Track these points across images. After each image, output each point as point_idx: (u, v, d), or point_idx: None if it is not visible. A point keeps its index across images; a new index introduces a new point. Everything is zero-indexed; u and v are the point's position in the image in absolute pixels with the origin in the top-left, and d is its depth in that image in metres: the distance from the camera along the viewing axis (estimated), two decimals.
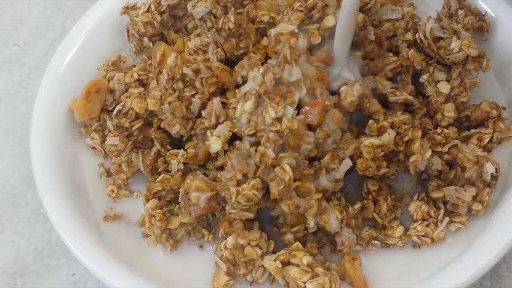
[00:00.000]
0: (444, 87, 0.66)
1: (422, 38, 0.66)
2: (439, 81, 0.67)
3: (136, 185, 0.71)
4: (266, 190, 0.61)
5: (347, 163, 0.62)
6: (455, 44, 0.65)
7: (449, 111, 0.66)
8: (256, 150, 0.61)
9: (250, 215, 0.61)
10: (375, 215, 0.64)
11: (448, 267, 0.60)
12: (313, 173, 0.62)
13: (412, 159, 0.62)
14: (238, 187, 0.60)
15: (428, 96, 0.67)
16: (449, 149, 0.65)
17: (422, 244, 0.63)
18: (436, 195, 0.65)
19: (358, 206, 0.64)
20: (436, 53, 0.67)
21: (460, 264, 0.59)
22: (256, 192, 0.60)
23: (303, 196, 0.61)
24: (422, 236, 0.63)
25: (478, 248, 0.60)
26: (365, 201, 0.65)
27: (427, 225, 0.63)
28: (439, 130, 0.65)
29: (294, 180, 0.60)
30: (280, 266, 0.59)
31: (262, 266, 0.61)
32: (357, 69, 0.65)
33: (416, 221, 0.64)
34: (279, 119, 0.60)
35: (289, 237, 0.63)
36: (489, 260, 0.58)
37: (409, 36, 0.68)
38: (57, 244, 0.74)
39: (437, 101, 0.67)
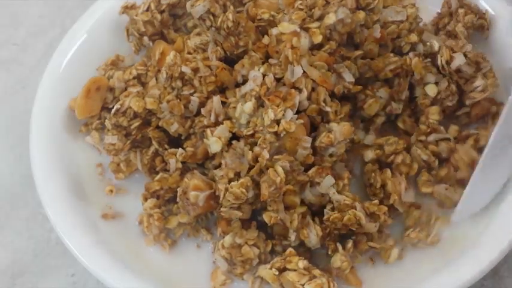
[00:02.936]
0: (431, 91, 0.67)
1: (444, 65, 0.66)
2: (427, 83, 0.67)
3: (136, 185, 0.70)
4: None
5: (329, 180, 0.61)
6: (480, 82, 0.66)
7: (433, 114, 0.67)
8: (250, 149, 0.61)
9: (240, 214, 0.61)
10: (371, 244, 0.63)
11: (449, 267, 0.59)
12: (300, 186, 0.62)
13: (391, 200, 0.63)
14: (227, 185, 0.60)
15: (416, 96, 0.68)
16: (437, 141, 0.65)
17: (417, 249, 0.63)
18: (425, 190, 0.65)
19: (350, 244, 0.62)
20: (455, 80, 0.67)
21: (461, 265, 0.59)
22: (244, 190, 0.59)
23: (289, 209, 0.61)
24: (416, 242, 0.63)
25: (479, 249, 0.59)
26: (354, 237, 0.63)
27: (420, 231, 0.63)
28: (423, 119, 0.66)
29: (286, 184, 0.60)
30: (277, 273, 0.58)
31: (259, 276, 0.60)
32: None
33: (408, 228, 0.63)
34: (277, 121, 0.60)
35: (278, 249, 0.63)
36: (490, 260, 0.58)
37: (413, 38, 0.68)
38: (56, 244, 0.74)
39: (423, 103, 0.67)
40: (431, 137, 0.65)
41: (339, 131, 0.61)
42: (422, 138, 0.66)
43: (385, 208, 0.62)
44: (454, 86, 0.67)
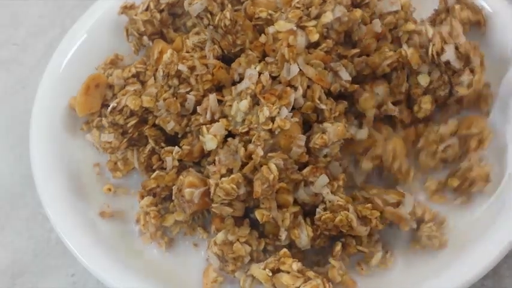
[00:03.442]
0: (423, 80, 0.66)
1: (434, 55, 0.65)
2: (420, 73, 0.67)
3: (134, 183, 0.70)
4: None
5: (323, 179, 0.61)
6: (466, 78, 0.65)
7: (426, 103, 0.66)
8: (244, 146, 0.61)
9: (230, 211, 0.61)
10: (360, 248, 0.62)
11: (449, 267, 0.59)
12: (294, 185, 0.61)
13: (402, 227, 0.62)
14: (218, 180, 0.60)
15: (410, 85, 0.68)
16: (445, 147, 0.65)
17: (429, 247, 0.62)
18: (437, 201, 0.65)
19: (338, 247, 0.61)
20: (444, 71, 0.66)
21: (461, 265, 0.59)
22: (235, 186, 0.59)
23: (282, 207, 0.61)
24: (433, 236, 0.62)
25: (479, 248, 0.59)
26: (343, 239, 0.62)
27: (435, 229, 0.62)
28: (416, 108, 0.66)
29: (279, 182, 0.60)
30: (270, 274, 0.58)
31: (251, 275, 0.60)
32: None
33: (427, 222, 0.62)
34: (272, 119, 0.60)
35: (270, 248, 0.63)
36: (490, 260, 0.58)
37: (410, 26, 0.68)
38: (56, 244, 0.74)
39: (416, 93, 0.67)
40: (442, 147, 0.65)
41: (332, 131, 0.61)
42: (432, 148, 0.66)
43: (378, 213, 0.61)
44: (446, 76, 0.66)
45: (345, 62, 0.65)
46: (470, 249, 0.60)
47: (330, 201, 0.61)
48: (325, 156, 0.62)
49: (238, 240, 0.61)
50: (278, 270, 0.58)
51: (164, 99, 0.65)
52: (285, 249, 0.60)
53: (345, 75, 0.64)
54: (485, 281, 0.66)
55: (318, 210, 0.61)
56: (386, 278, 0.62)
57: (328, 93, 0.64)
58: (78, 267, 0.71)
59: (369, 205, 0.62)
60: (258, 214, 0.60)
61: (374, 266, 0.62)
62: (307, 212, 0.63)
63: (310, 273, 0.58)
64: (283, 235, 0.61)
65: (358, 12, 0.65)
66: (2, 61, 0.91)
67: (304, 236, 0.61)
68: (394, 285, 0.61)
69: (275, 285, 0.58)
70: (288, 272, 0.58)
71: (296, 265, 0.58)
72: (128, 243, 0.67)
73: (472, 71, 0.66)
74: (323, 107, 0.62)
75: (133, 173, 0.71)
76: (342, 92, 0.65)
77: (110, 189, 0.70)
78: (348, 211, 0.60)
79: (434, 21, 0.73)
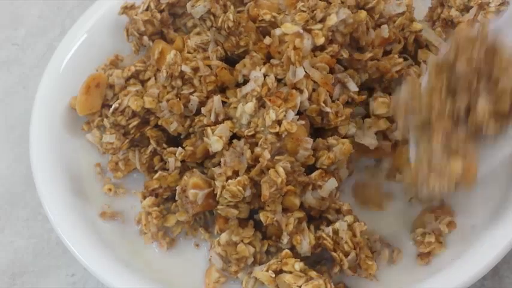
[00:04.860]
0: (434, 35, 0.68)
1: None
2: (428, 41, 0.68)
3: (135, 184, 0.71)
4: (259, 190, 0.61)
5: (332, 183, 0.61)
6: None
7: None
8: (250, 149, 0.61)
9: (236, 212, 0.60)
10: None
11: (448, 267, 0.59)
12: (302, 188, 0.61)
13: None
14: (224, 182, 0.60)
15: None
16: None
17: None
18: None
19: (337, 269, 0.60)
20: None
21: (461, 264, 0.59)
22: (241, 188, 0.59)
23: (287, 211, 0.61)
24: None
25: (479, 248, 0.59)
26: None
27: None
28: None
29: (287, 185, 0.60)
30: (273, 275, 0.58)
31: (254, 277, 0.60)
32: None
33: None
34: (279, 122, 0.60)
35: (272, 249, 0.63)
36: (490, 260, 0.58)
37: (417, 26, 0.68)
38: (56, 244, 0.74)
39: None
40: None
41: (339, 151, 0.62)
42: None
43: (374, 269, 0.60)
44: (446, 11, 0.68)
45: (351, 72, 0.65)
46: (470, 249, 0.60)
47: (340, 237, 0.60)
48: (334, 170, 0.63)
49: (242, 241, 0.61)
50: (281, 271, 0.58)
51: (167, 100, 0.65)
52: (286, 250, 0.60)
53: (353, 87, 0.64)
54: (485, 281, 0.66)
55: (330, 228, 0.60)
56: (386, 277, 0.62)
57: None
58: (78, 267, 0.72)
59: (372, 262, 0.60)
60: (262, 216, 0.60)
61: (384, 266, 0.62)
62: (312, 217, 0.63)
63: (313, 273, 0.58)
64: (285, 239, 0.60)
65: (363, 14, 0.65)
66: (3, 61, 0.91)
67: (306, 243, 0.60)
68: (395, 284, 0.61)
69: (278, 286, 0.58)
70: (291, 272, 0.58)
71: (298, 265, 0.58)
72: (128, 243, 0.67)
73: None
74: (328, 110, 0.62)
75: (133, 173, 0.71)
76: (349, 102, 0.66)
77: (110, 190, 0.70)
78: (347, 257, 0.59)
79: (431, 18, 0.73)
